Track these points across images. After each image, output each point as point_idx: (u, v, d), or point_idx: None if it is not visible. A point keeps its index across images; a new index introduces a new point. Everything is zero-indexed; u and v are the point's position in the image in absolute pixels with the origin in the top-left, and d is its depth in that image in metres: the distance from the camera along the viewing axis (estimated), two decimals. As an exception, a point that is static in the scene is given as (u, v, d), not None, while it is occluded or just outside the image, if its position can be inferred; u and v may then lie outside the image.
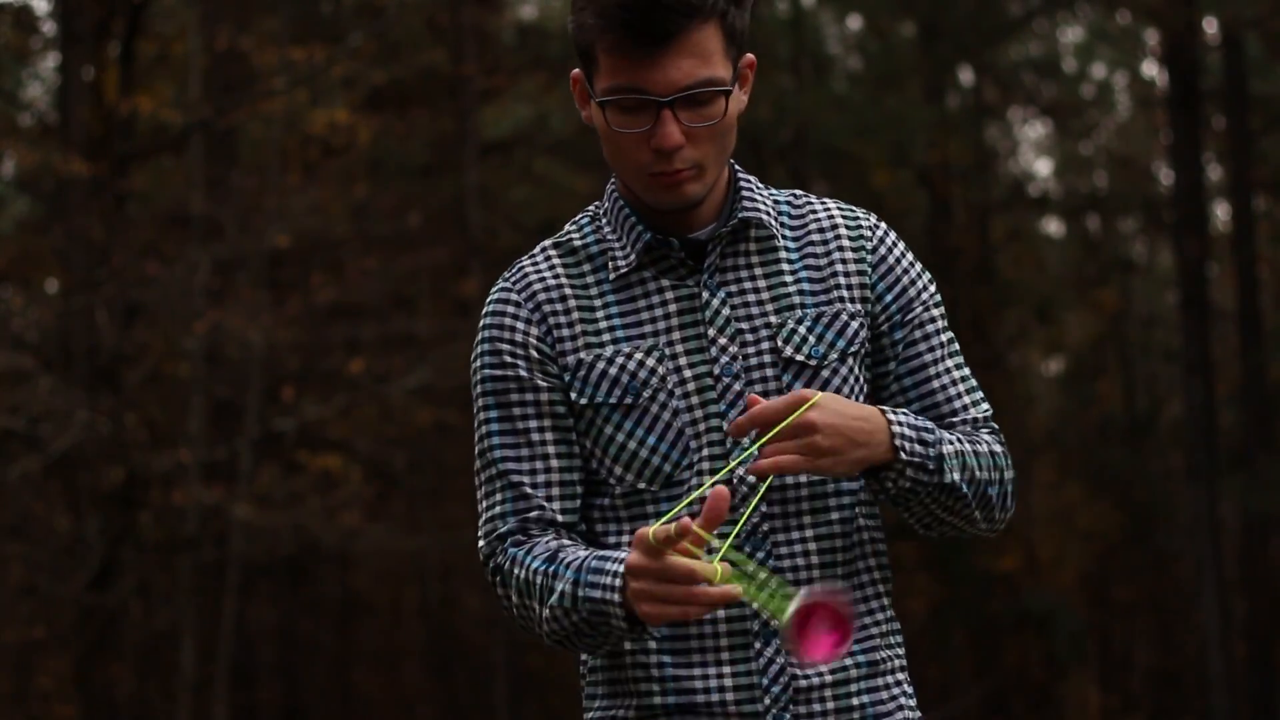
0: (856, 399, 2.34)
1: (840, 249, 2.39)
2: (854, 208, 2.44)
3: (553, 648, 2.30)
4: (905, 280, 2.40)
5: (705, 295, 2.33)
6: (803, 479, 2.31)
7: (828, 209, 2.42)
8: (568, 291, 2.36)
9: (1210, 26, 18.22)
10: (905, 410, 2.27)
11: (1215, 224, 20.54)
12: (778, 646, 2.28)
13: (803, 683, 2.29)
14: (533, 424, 2.33)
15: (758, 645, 2.29)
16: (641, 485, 2.31)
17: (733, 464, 2.26)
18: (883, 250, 2.40)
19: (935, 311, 2.41)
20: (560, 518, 2.32)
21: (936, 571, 19.11)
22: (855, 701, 2.32)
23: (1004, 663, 20.39)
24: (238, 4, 15.83)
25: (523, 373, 2.33)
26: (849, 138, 18.03)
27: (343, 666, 21.21)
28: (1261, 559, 17.84)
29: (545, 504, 2.32)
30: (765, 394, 2.30)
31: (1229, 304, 19.90)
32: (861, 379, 2.36)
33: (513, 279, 2.38)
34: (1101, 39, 21.82)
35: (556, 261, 2.39)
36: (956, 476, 2.27)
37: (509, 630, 17.60)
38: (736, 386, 2.30)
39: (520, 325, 2.34)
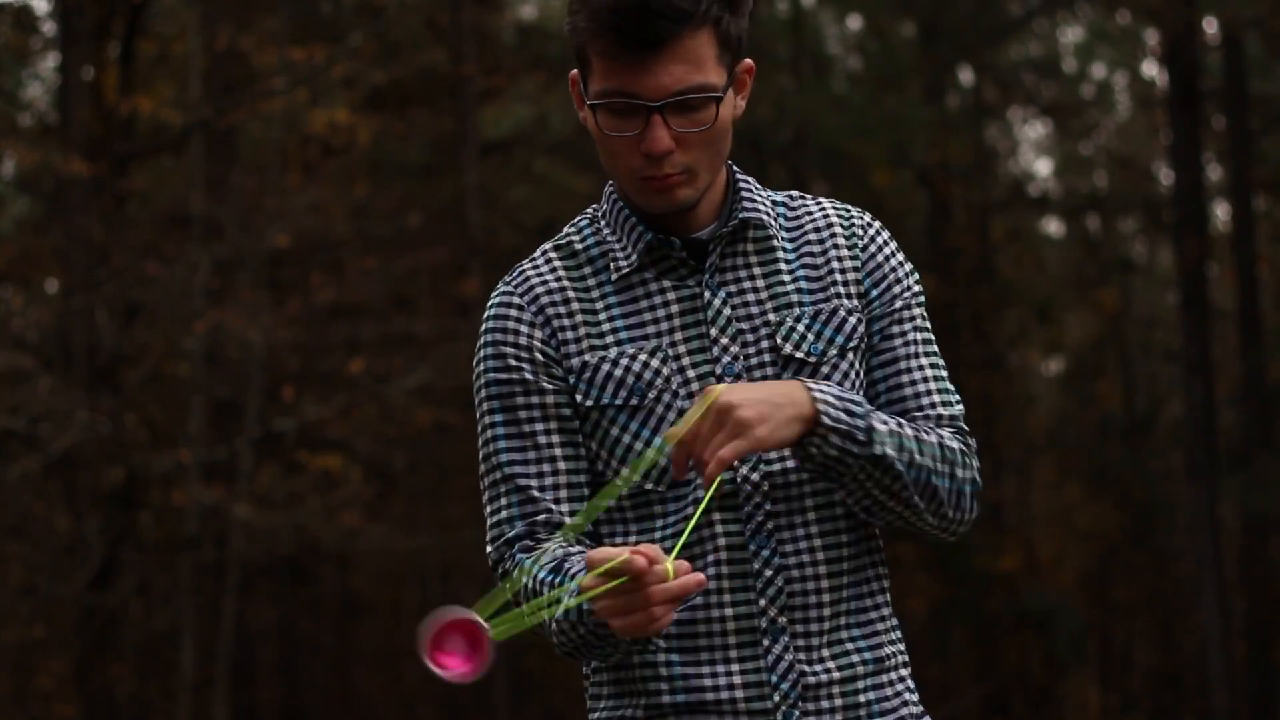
0: (858, 393, 2.36)
1: (836, 246, 2.40)
2: (849, 206, 2.46)
3: (565, 657, 2.29)
4: (889, 275, 2.41)
5: (707, 295, 2.34)
6: (805, 475, 2.31)
7: (823, 208, 2.44)
8: (570, 294, 2.36)
9: (1210, 26, 18.23)
10: (835, 385, 2.27)
11: (1215, 224, 20.55)
12: (786, 644, 2.29)
13: (811, 680, 2.29)
14: (539, 427, 2.33)
15: (766, 642, 2.29)
16: (649, 486, 2.31)
17: (635, 475, 2.27)
18: (872, 248, 2.41)
19: (915, 309, 2.42)
20: (568, 520, 2.32)
21: (936, 571, 19.12)
22: (862, 699, 2.32)
23: (1004, 663, 20.39)
24: (238, 4, 15.83)
25: (528, 376, 2.33)
26: (849, 138, 18.03)
27: (343, 666, 21.21)
28: (1261, 559, 17.84)
29: (553, 507, 2.32)
30: None
31: (1229, 304, 19.90)
32: (861, 374, 2.38)
33: (514, 282, 2.39)
34: (1101, 39, 21.82)
35: (558, 264, 2.39)
36: (890, 451, 2.24)
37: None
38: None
39: (524, 329, 2.34)
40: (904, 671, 2.39)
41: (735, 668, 2.29)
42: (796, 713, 2.29)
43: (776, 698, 2.28)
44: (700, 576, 2.07)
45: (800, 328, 2.34)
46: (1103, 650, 22.88)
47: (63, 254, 13.51)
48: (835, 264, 2.39)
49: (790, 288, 2.36)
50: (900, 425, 2.28)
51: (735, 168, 2.42)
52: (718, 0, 2.24)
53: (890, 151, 18.69)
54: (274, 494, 14.20)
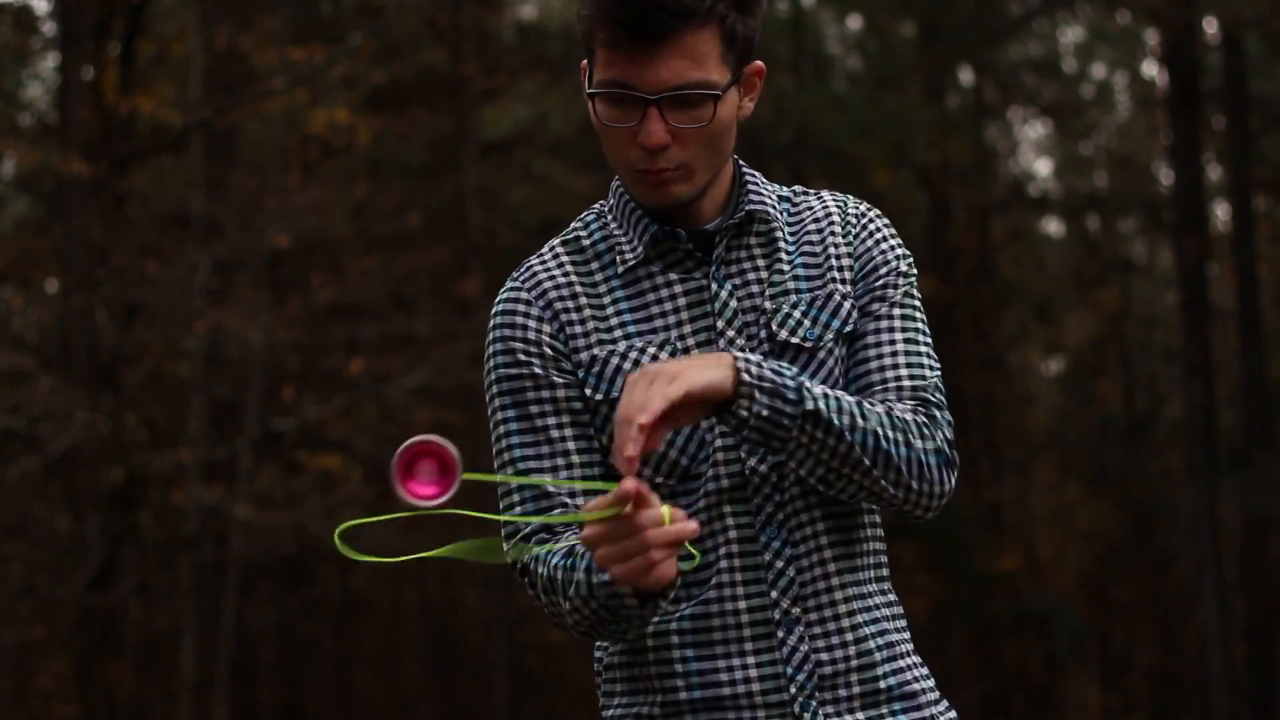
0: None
1: (833, 233, 2.41)
2: (849, 197, 2.47)
3: (583, 639, 2.29)
4: (877, 256, 2.40)
5: (714, 287, 2.35)
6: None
7: (823, 201, 2.45)
8: (578, 289, 2.36)
9: (1210, 26, 18.23)
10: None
11: (1215, 224, 20.55)
12: (801, 634, 2.29)
13: (828, 669, 2.30)
14: (551, 421, 2.33)
15: (780, 634, 2.29)
16: (659, 479, 2.31)
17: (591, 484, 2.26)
18: (863, 233, 2.42)
19: (899, 288, 2.39)
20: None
21: (936, 571, 19.12)
22: (882, 685, 2.33)
23: (1004, 663, 20.39)
24: (238, 4, 15.83)
25: (538, 370, 2.33)
26: (849, 138, 18.04)
27: (343, 666, 21.21)
28: (1261, 559, 17.84)
29: (568, 501, 2.32)
30: None
31: (1229, 304, 19.90)
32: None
33: (522, 278, 2.39)
34: (1101, 39, 21.82)
35: (565, 259, 2.40)
36: (824, 408, 2.21)
37: (509, 630, 17.60)
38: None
39: (532, 324, 2.35)
40: (916, 658, 2.41)
41: (750, 660, 2.29)
42: (814, 703, 2.29)
43: (793, 689, 2.29)
44: (694, 525, 2.06)
45: (797, 314, 2.35)
46: (1103, 650, 22.88)
47: (63, 254, 13.50)
48: (832, 250, 2.40)
49: (788, 276, 2.37)
50: (839, 395, 2.25)
51: (742, 163, 2.43)
52: None
53: (890, 151, 18.70)
54: (274, 494, 14.20)
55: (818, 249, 2.40)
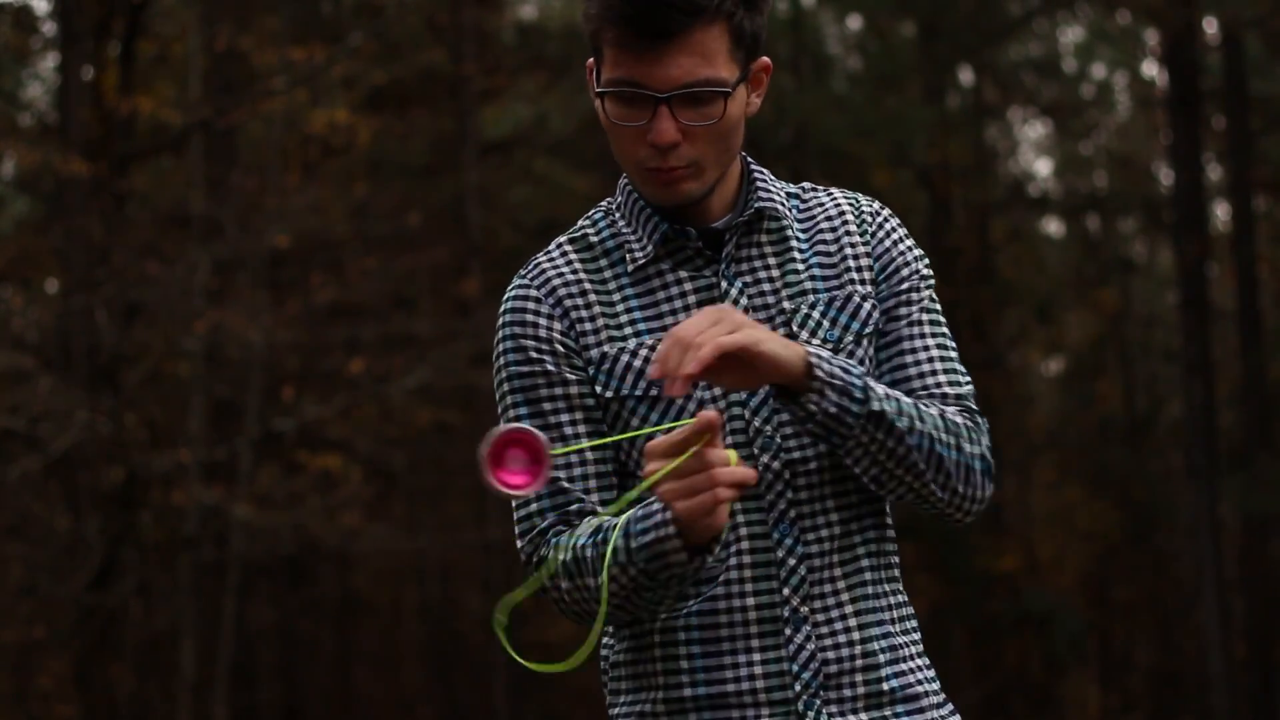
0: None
1: (849, 233, 2.41)
2: (858, 195, 2.47)
3: (615, 619, 2.28)
4: (898, 258, 2.41)
5: (724, 285, 2.35)
6: (825, 463, 2.31)
7: (833, 197, 2.45)
8: (587, 286, 2.37)
9: (1210, 26, 18.23)
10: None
11: (1215, 224, 20.54)
12: (808, 633, 2.29)
13: (833, 668, 2.30)
14: (564, 417, 2.33)
15: (788, 631, 2.29)
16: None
17: (616, 508, 2.23)
18: (880, 234, 2.42)
19: (923, 292, 2.41)
20: (600, 510, 2.32)
21: (936, 571, 19.12)
22: (885, 686, 2.33)
23: (1004, 663, 20.39)
24: (238, 4, 15.83)
25: (550, 367, 2.33)
26: (849, 138, 18.05)
27: (343, 666, 21.21)
28: (1261, 559, 17.84)
29: (584, 496, 2.32)
30: None
31: (1229, 304, 19.90)
32: (874, 359, 2.39)
33: (530, 275, 2.39)
34: (1101, 39, 21.83)
35: (574, 257, 2.40)
36: (888, 409, 2.23)
37: (509, 630, 17.59)
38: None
39: (543, 321, 2.35)
40: (923, 661, 2.41)
41: (756, 657, 2.29)
42: (818, 701, 2.29)
43: (798, 687, 2.29)
44: (752, 472, 2.09)
45: (816, 314, 2.35)
46: (1103, 650, 22.88)
47: (63, 254, 13.50)
48: (849, 250, 2.40)
49: (804, 276, 2.37)
50: (899, 396, 2.27)
51: (750, 159, 2.43)
52: None
53: (890, 151, 18.71)
54: (274, 494, 14.20)
55: (832, 248, 2.40)
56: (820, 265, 2.38)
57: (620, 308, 2.35)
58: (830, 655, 2.30)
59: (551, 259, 2.40)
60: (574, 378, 2.33)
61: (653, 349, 2.32)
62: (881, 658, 2.33)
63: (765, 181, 2.41)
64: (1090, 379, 23.60)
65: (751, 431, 2.31)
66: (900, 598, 2.39)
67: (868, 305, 2.37)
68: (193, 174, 15.56)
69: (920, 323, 2.40)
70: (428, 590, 20.96)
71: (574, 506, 2.32)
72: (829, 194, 2.46)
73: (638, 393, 2.31)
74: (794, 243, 2.39)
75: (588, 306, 2.35)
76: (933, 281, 2.44)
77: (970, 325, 20.47)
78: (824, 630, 2.30)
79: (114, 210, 13.50)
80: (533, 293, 2.37)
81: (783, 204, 2.40)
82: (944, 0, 18.01)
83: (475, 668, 20.14)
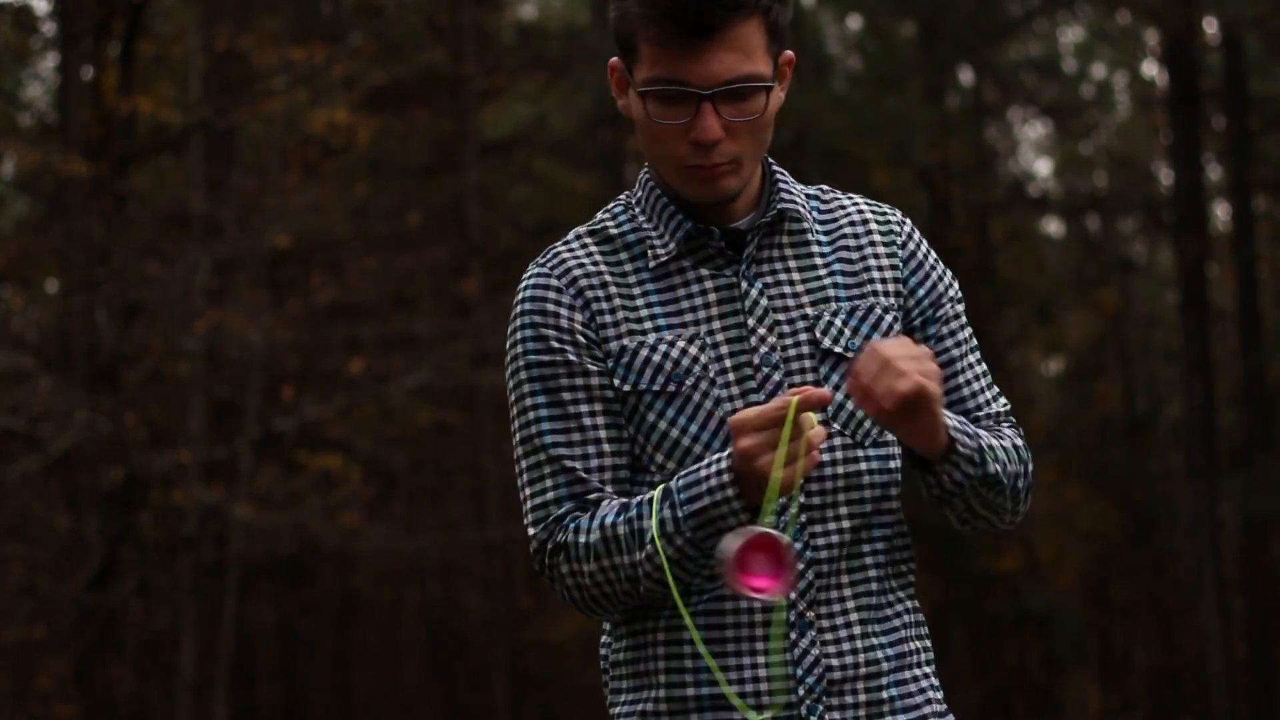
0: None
1: (873, 244, 2.41)
2: (881, 204, 2.47)
3: (649, 595, 2.26)
4: (934, 276, 2.43)
5: (744, 285, 2.34)
6: (839, 469, 2.31)
7: (856, 204, 2.45)
8: (608, 278, 2.35)
9: (1210, 26, 18.22)
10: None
11: (1215, 224, 20.54)
12: (814, 638, 2.29)
13: (836, 675, 2.30)
14: (584, 409, 2.32)
15: (793, 636, 2.29)
16: (671, 466, 2.31)
17: (767, 510, 2.23)
18: (912, 246, 2.43)
19: (960, 308, 2.45)
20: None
21: (936, 572, 19.11)
22: (885, 695, 2.33)
23: (1004, 663, 20.39)
24: (238, 4, 15.83)
25: (571, 358, 2.32)
26: (849, 138, 18.04)
27: (343, 666, 21.20)
28: (1261, 559, 17.84)
29: (601, 488, 2.31)
30: (804, 385, 2.31)
31: (1229, 304, 19.90)
32: None
33: (549, 264, 2.37)
34: (1101, 39, 21.82)
35: (594, 249, 2.38)
36: (997, 468, 2.30)
37: (509, 630, 17.59)
38: (776, 377, 2.31)
39: (564, 311, 2.33)
40: (929, 668, 2.41)
41: (761, 660, 2.28)
42: (820, 707, 2.29)
43: (801, 691, 2.28)
44: (823, 430, 2.15)
45: (838, 323, 2.35)
46: (1103, 650, 22.87)
47: (63, 254, 13.50)
48: (872, 261, 2.40)
49: (826, 281, 2.37)
50: (995, 444, 2.33)
51: (770, 159, 2.42)
52: None
53: (890, 151, 18.70)
54: (274, 494, 14.19)
55: (854, 255, 2.40)
56: (843, 272, 2.38)
57: (640, 302, 2.34)
58: (834, 662, 2.30)
59: (571, 249, 2.38)
60: (595, 369, 2.32)
61: (672, 344, 2.31)
62: (885, 666, 2.33)
63: (787, 183, 2.40)
64: (1090, 379, 23.59)
65: None
66: (909, 604, 2.38)
67: (889, 318, 2.37)
68: (193, 174, 15.56)
69: (966, 342, 2.44)
70: (428, 590, 20.96)
71: (592, 495, 2.30)
72: (850, 199, 2.46)
73: (655, 388, 2.31)
74: (815, 246, 2.39)
75: (608, 299, 2.34)
76: (963, 297, 2.47)
77: (970, 325, 20.46)
78: (828, 636, 2.29)
79: (114, 210, 13.50)
80: (554, 282, 2.35)
81: (803, 206, 2.40)
82: (944, 0, 18.00)
83: (475, 668, 20.14)
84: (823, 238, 2.40)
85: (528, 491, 2.34)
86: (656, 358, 2.31)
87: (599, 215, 2.43)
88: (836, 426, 2.31)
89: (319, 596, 20.23)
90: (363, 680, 21.69)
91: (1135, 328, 23.50)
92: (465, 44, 17.54)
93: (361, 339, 15.49)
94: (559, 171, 20.56)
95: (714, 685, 2.29)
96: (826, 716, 2.29)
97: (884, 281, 2.39)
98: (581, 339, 2.32)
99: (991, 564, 19.50)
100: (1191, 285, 17.36)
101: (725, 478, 2.15)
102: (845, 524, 2.32)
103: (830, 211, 2.43)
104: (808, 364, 2.32)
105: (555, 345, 2.32)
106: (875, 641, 2.33)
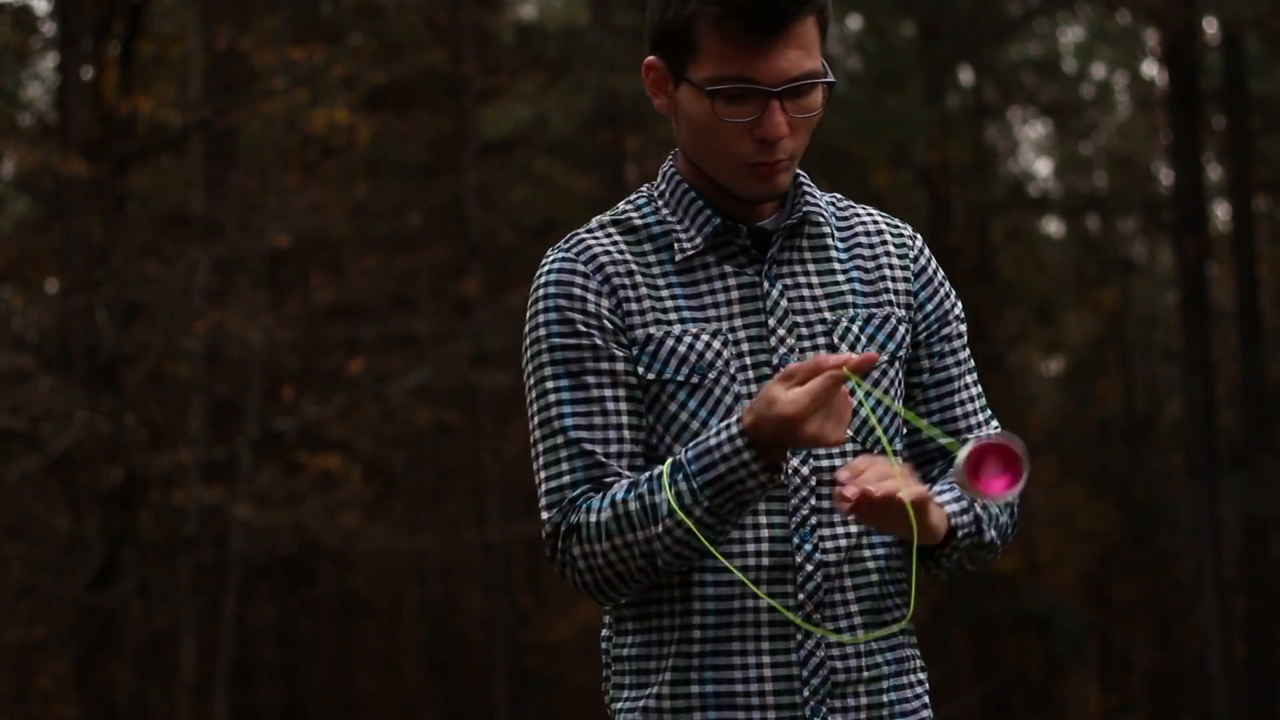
0: (898, 401, 2.40)
1: (888, 254, 2.44)
2: (893, 218, 2.50)
3: (665, 570, 2.25)
4: (941, 294, 2.47)
5: (765, 285, 2.36)
6: (843, 474, 2.32)
7: (871, 215, 2.48)
8: (634, 267, 2.35)
9: (1210, 26, 18.22)
10: (935, 487, 2.33)
11: (1215, 224, 20.54)
12: (818, 639, 2.30)
13: (840, 677, 2.31)
14: (608, 393, 2.32)
15: (799, 636, 2.30)
16: None
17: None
18: (923, 261, 2.47)
19: (963, 328, 2.49)
20: None
21: (936, 571, 19.10)
22: (885, 699, 2.35)
23: (1004, 663, 20.38)
24: (238, 4, 15.82)
25: (598, 341, 2.32)
26: (849, 138, 18.02)
27: (343, 666, 21.20)
28: (1261, 559, 17.84)
29: (620, 474, 2.31)
30: None
31: (1229, 304, 19.90)
32: (900, 383, 2.41)
33: (575, 249, 2.37)
34: (1101, 39, 21.82)
35: (618, 237, 2.38)
36: (993, 534, 2.36)
37: (509, 630, 17.59)
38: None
39: (591, 296, 2.33)
40: (922, 675, 2.42)
41: (766, 660, 2.29)
42: (824, 709, 2.30)
43: (806, 692, 2.29)
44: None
45: (855, 329, 2.37)
46: (1103, 650, 22.87)
47: (63, 254, 13.50)
48: (887, 271, 2.43)
49: (845, 288, 2.39)
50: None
51: None
52: None
53: (890, 151, 18.69)
54: (274, 494, 14.19)
55: (869, 264, 2.42)
56: (860, 280, 2.40)
57: (665, 294, 2.34)
58: (839, 664, 2.31)
59: (595, 236, 2.38)
60: (621, 354, 2.32)
61: (696, 336, 2.32)
62: (885, 670, 2.34)
63: (810, 187, 2.42)
64: (1090, 379, 23.58)
65: None
66: (905, 611, 2.39)
67: (902, 329, 2.40)
68: (193, 174, 15.56)
69: (966, 362, 2.47)
70: (428, 590, 20.96)
71: (609, 480, 2.30)
72: (866, 211, 2.48)
73: (679, 378, 2.31)
74: (834, 251, 2.41)
75: (634, 287, 2.34)
76: (965, 316, 2.51)
77: (970, 325, 20.46)
78: (833, 639, 2.31)
79: (114, 210, 13.50)
80: (580, 267, 2.35)
81: (825, 211, 2.42)
82: (944, 0, 18.00)
83: (475, 668, 20.14)
84: (840, 244, 2.42)
85: (543, 475, 2.33)
86: (681, 348, 2.32)
87: (621, 205, 2.43)
88: (848, 433, 2.32)
89: (319, 596, 20.22)
90: (363, 680, 21.68)
91: (1135, 328, 23.49)
92: (465, 44, 17.53)
93: (361, 339, 15.49)
94: (559, 171, 20.56)
95: (719, 684, 2.30)
96: (830, 718, 2.30)
97: (897, 293, 2.42)
98: (608, 324, 2.32)
99: (991, 564, 19.47)
100: (1191, 285, 17.36)
101: (740, 442, 2.16)
102: (852, 528, 2.33)
103: (846, 220, 2.45)
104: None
105: (581, 329, 2.32)
106: (876, 646, 2.34)
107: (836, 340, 2.35)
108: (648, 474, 2.24)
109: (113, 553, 13.00)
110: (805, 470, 2.31)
